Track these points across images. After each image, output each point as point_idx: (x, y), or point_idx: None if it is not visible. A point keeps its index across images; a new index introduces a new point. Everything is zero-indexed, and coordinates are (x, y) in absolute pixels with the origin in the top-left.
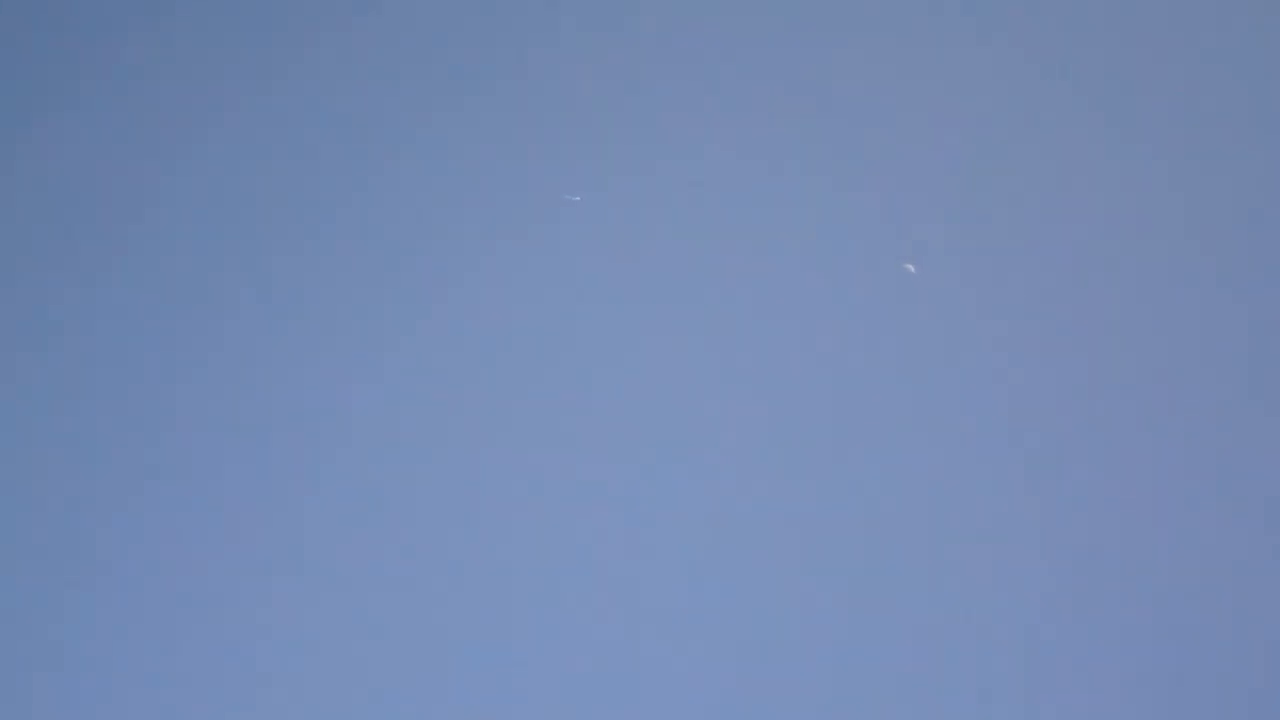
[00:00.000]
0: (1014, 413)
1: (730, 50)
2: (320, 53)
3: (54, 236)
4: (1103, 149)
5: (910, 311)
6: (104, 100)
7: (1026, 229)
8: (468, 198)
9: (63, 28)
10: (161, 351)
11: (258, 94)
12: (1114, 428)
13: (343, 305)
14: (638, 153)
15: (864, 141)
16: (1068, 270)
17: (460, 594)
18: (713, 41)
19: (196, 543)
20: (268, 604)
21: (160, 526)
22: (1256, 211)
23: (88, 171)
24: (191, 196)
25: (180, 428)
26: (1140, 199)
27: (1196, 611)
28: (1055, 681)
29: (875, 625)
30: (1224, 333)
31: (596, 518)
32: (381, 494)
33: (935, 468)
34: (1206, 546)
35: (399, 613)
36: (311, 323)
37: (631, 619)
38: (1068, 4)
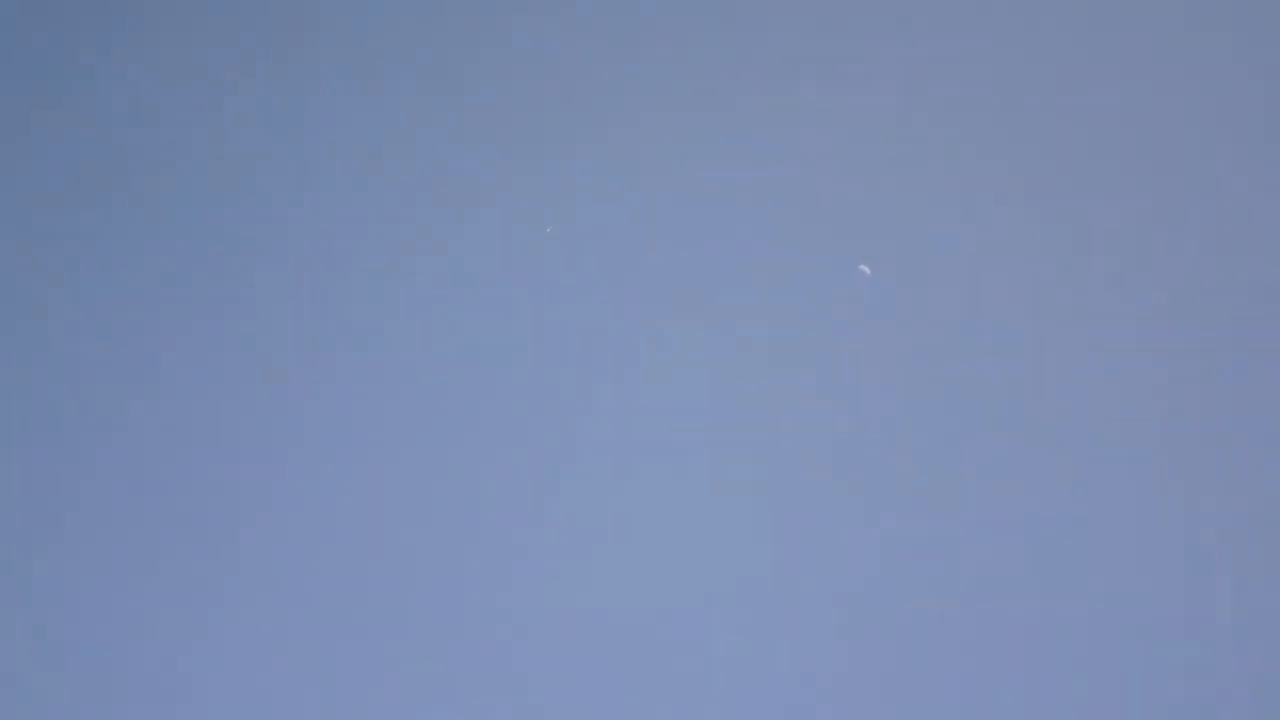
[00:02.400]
0: (980, 414)
1: (692, 60)
2: (320, 70)
3: (40, 236)
4: (1076, 147)
5: (868, 312)
6: (96, 105)
7: (988, 230)
8: (457, 210)
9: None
10: (155, 350)
11: (253, 108)
12: (1083, 431)
13: (331, 312)
14: (610, 167)
15: (825, 145)
16: (1026, 271)
17: (448, 597)
18: (675, 55)
19: (192, 540)
20: (258, 602)
21: (155, 525)
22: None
23: (72, 171)
24: (185, 198)
25: (177, 428)
26: (1107, 204)
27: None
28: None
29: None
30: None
31: (569, 523)
32: (368, 498)
33: (907, 468)
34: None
35: (390, 612)
36: (302, 329)
37: (621, 625)
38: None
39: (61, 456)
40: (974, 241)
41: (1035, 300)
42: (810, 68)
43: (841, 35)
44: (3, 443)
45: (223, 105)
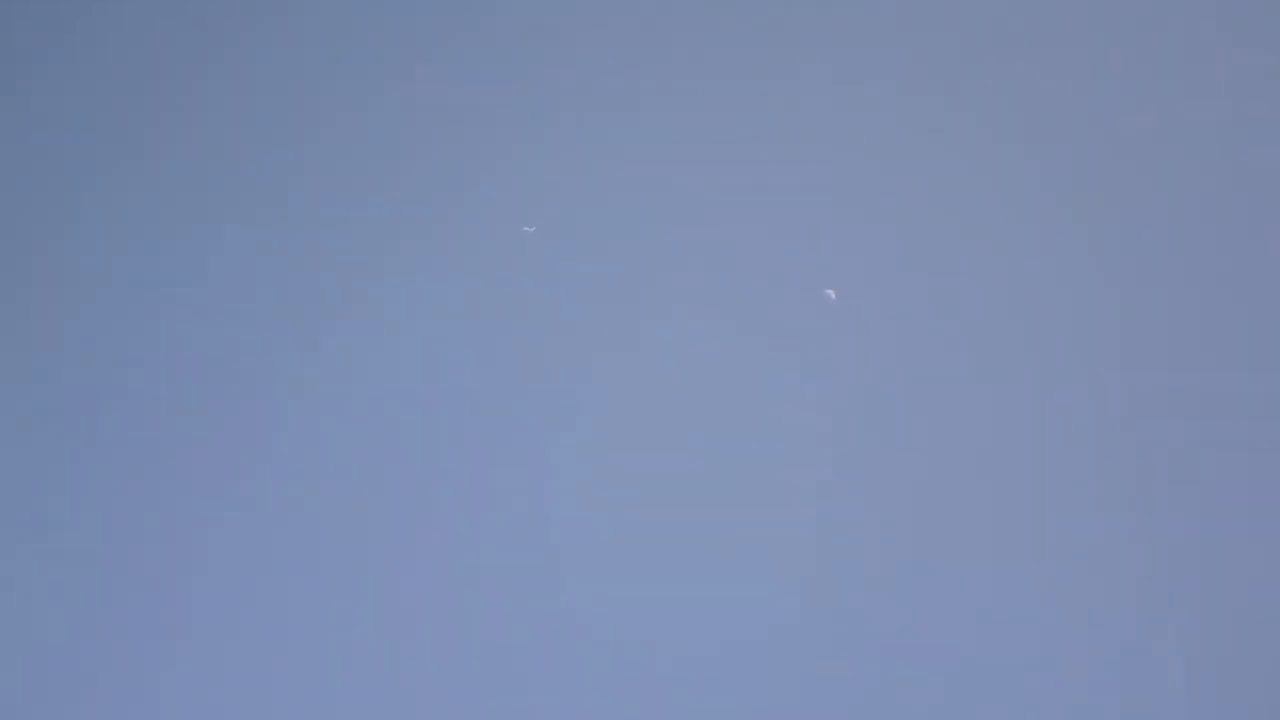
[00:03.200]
0: (977, 417)
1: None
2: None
3: (32, 230)
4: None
5: (837, 334)
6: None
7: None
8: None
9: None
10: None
11: (240, 103)
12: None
13: (317, 309)
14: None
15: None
16: (1026, 273)
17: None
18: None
19: (176, 535)
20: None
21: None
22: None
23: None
24: (170, 193)
25: (174, 426)
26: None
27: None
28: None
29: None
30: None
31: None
32: (358, 494)
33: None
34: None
35: (378, 609)
36: (288, 324)
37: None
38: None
39: (56, 453)
40: (972, 244)
41: (1036, 302)
42: (807, 66)
43: (838, 33)
44: None
45: (209, 101)
